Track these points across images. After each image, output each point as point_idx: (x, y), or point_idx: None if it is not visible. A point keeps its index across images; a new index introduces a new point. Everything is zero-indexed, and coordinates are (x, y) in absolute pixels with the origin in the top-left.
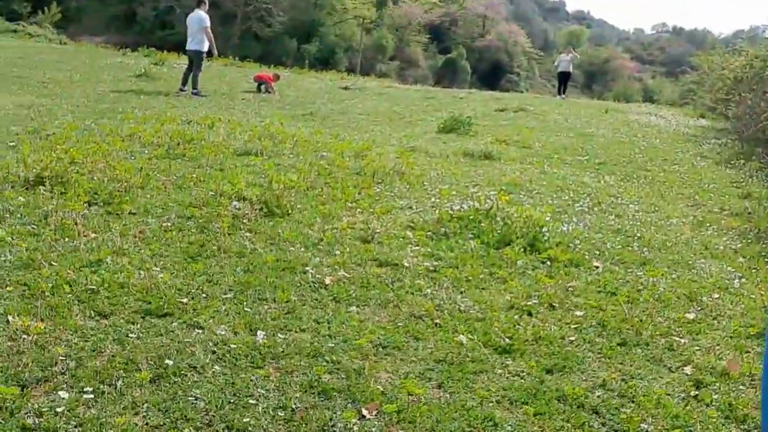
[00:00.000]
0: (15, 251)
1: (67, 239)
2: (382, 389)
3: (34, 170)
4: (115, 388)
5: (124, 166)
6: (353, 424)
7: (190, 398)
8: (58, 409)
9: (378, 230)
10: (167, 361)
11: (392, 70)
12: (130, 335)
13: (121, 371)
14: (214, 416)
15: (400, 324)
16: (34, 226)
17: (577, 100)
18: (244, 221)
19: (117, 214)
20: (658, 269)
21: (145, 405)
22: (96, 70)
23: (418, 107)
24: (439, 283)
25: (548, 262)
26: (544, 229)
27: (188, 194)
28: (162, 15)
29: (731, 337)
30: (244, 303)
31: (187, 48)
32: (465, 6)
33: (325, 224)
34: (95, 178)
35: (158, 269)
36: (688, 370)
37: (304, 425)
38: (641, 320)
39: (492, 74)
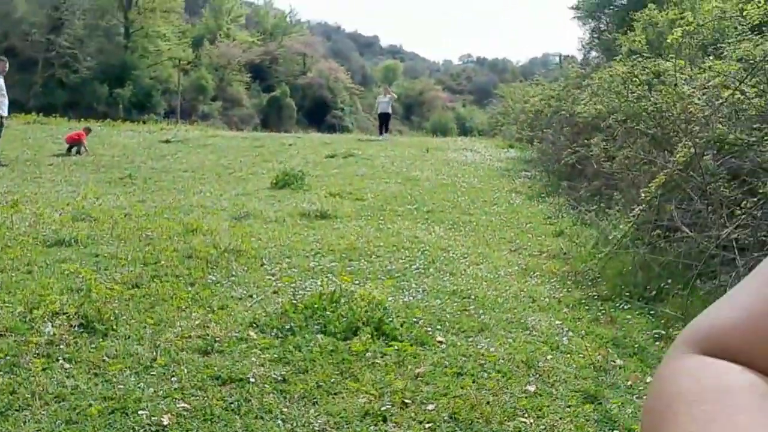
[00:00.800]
0: None
1: None
2: None
3: None
4: None
5: None
6: None
7: None
8: None
9: (218, 335)
10: None
11: (215, 110)
12: None
13: None
14: None
15: None
16: None
17: (399, 138)
18: (61, 347)
19: None
20: (496, 336)
21: None
22: None
23: (247, 158)
24: (290, 396)
25: (395, 346)
26: (387, 308)
27: None
28: None
29: (569, 407)
30: None
31: None
32: (283, 45)
33: (156, 336)
34: None
35: None
36: None
37: None
38: (489, 403)
39: (317, 111)
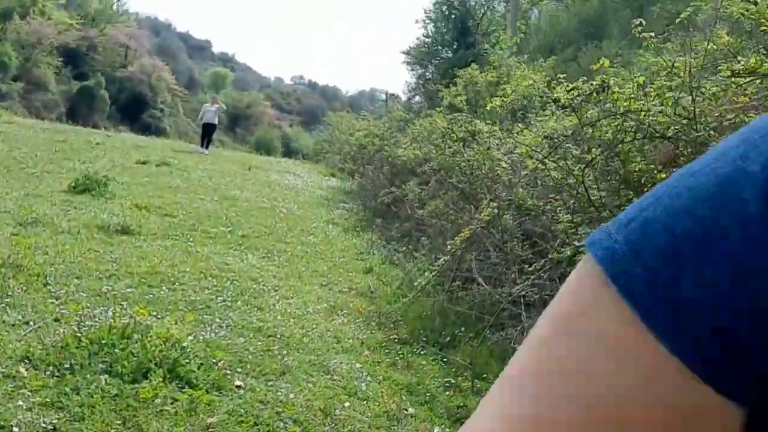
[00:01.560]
0: None
1: None
2: None
3: None
4: None
5: None
6: None
7: None
8: None
9: None
10: None
11: (15, 91)
12: None
13: None
14: None
15: None
16: None
17: (222, 151)
18: None
19: None
20: (297, 380)
21: None
22: None
23: (45, 153)
24: None
25: (190, 391)
26: (185, 347)
27: None
28: None
29: None
30: None
31: None
32: (105, 33)
33: None
34: None
35: None
36: None
37: None
38: None
39: (134, 107)
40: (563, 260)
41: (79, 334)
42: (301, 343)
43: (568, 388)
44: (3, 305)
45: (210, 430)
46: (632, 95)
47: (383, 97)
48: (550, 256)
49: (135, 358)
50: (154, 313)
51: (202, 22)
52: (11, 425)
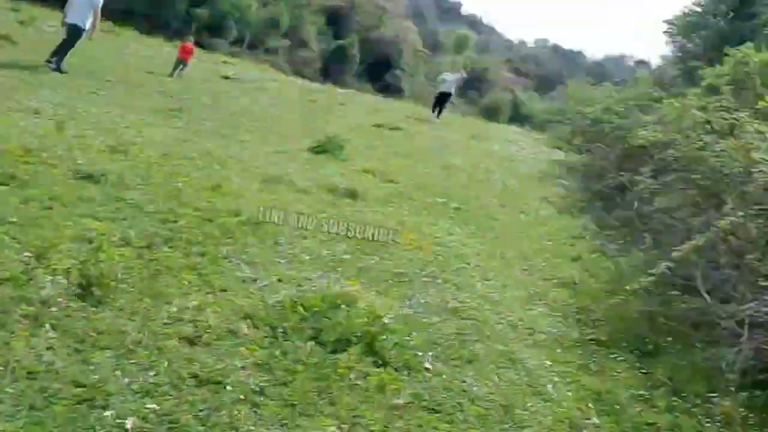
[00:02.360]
0: None
1: None
2: None
3: None
4: None
5: None
6: None
7: None
8: None
9: (209, 324)
10: None
11: (282, 47)
12: None
13: None
14: None
15: None
16: None
17: (449, 117)
18: (53, 310)
19: None
20: (484, 370)
21: None
22: None
23: (295, 113)
24: (260, 414)
25: (382, 368)
26: (386, 323)
27: None
28: None
29: None
30: None
31: (66, 20)
32: None
33: (150, 314)
34: None
35: None
36: None
37: None
38: None
39: (378, 67)
40: None
41: (296, 299)
42: (493, 330)
43: None
44: (240, 261)
45: (394, 411)
46: None
47: (631, 63)
48: None
49: (339, 329)
50: (363, 281)
51: None
52: (225, 383)
